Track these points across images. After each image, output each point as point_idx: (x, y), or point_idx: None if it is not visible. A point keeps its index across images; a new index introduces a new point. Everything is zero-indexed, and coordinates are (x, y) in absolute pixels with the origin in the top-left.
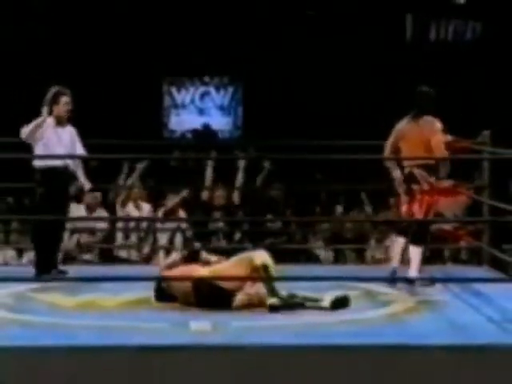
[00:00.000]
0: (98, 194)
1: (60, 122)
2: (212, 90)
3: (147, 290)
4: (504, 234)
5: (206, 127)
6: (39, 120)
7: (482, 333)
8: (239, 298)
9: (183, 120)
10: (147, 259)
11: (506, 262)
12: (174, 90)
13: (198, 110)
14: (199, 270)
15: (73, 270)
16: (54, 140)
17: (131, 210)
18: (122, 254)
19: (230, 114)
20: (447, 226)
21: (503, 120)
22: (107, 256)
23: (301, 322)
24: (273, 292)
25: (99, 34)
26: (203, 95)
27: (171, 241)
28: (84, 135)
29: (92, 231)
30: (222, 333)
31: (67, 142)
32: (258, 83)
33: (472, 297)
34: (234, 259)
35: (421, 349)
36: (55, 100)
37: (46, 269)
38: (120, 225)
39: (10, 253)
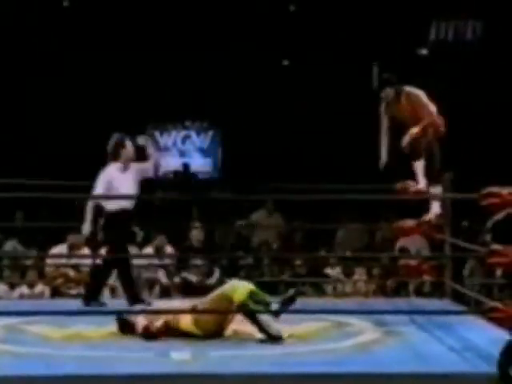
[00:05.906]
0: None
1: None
2: (193, 133)
3: None
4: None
5: (186, 167)
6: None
7: (444, 362)
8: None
9: (166, 162)
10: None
11: (467, 296)
12: (157, 133)
13: (180, 152)
14: (181, 322)
15: (61, 303)
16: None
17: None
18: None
19: (209, 156)
20: (411, 262)
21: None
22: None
23: (276, 351)
24: (261, 328)
25: (92, 82)
26: (185, 139)
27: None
28: (76, 177)
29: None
30: (201, 362)
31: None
32: (235, 127)
33: (435, 328)
34: (213, 298)
35: (387, 377)
36: (122, 145)
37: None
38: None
39: (2, 287)
